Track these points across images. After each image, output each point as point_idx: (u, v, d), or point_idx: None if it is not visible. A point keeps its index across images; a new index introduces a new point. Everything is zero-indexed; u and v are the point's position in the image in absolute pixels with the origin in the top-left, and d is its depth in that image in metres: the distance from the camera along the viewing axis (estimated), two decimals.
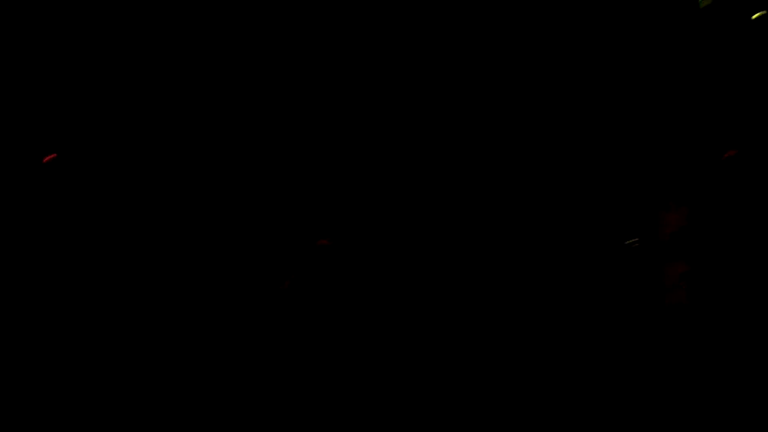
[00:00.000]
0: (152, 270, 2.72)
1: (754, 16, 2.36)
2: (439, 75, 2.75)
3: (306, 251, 2.72)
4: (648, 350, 2.57)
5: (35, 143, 2.74)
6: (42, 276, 2.70)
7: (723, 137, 2.64)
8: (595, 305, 2.67)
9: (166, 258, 2.74)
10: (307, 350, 2.65)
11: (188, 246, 2.74)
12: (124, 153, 2.75)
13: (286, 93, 2.80)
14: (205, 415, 2.54)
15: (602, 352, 2.60)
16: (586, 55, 2.73)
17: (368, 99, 2.80)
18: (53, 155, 2.45)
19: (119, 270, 2.71)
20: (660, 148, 2.67)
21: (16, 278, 2.68)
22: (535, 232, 2.76)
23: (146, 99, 2.77)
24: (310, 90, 2.79)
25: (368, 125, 2.79)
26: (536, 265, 2.74)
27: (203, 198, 2.77)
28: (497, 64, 2.75)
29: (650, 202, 2.61)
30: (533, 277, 2.73)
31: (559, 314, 2.69)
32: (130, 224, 2.73)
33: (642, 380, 2.53)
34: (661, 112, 2.73)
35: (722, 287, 2.52)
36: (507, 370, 2.62)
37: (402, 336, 2.68)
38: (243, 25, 2.77)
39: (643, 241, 2.65)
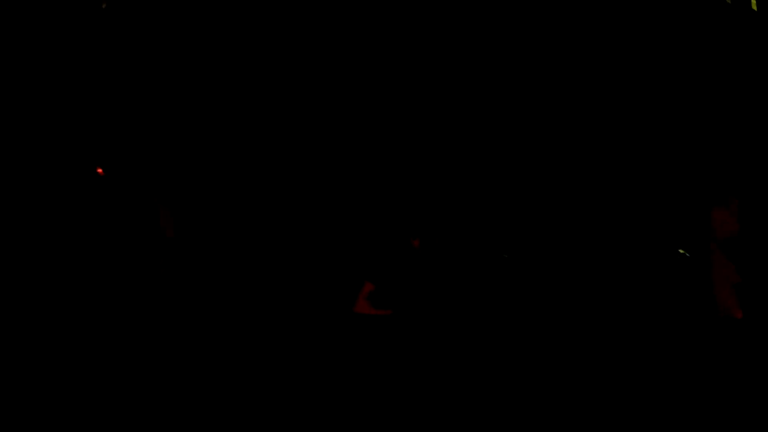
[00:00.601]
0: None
1: None
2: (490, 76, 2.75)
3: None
4: (696, 356, 2.57)
5: (35, 143, 2.74)
6: (42, 275, 2.70)
7: None
8: (645, 309, 2.68)
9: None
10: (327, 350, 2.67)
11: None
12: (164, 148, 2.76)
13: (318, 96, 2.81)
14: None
15: (649, 357, 2.60)
16: (633, 53, 2.73)
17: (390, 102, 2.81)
18: (99, 170, 2.48)
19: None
20: (712, 147, 2.67)
21: (16, 278, 2.68)
22: (587, 234, 2.77)
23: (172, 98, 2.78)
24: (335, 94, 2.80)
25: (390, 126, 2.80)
26: (587, 267, 2.76)
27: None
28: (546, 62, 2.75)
29: (702, 202, 2.59)
30: (584, 279, 2.76)
31: (608, 317, 2.70)
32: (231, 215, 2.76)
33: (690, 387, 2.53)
34: (713, 112, 2.73)
35: None
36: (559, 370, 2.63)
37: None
38: (253, 27, 2.78)
39: (693, 246, 2.64)
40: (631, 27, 2.70)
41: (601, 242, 2.79)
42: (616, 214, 2.78)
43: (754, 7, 2.45)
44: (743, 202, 2.51)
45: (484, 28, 2.70)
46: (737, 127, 2.65)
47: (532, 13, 2.69)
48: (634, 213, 2.78)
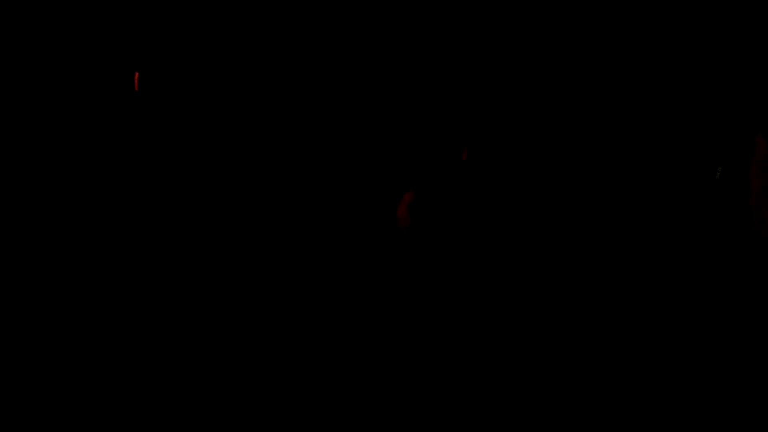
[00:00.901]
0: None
1: None
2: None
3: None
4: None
5: (35, 143, 2.76)
6: (42, 275, 2.71)
7: None
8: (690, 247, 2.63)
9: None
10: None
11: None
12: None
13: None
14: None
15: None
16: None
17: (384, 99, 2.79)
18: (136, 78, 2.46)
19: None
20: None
21: (16, 277, 2.69)
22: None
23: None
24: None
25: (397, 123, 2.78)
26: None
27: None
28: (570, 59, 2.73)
29: (741, 131, 2.56)
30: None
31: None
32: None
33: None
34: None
35: None
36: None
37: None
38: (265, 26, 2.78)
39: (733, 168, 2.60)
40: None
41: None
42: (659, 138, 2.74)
43: None
44: None
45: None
46: None
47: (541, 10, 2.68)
48: (677, 135, 2.74)
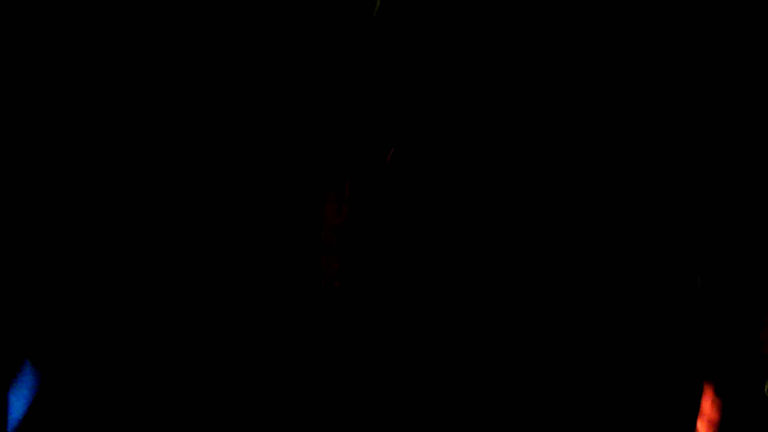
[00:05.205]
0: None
1: None
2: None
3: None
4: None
5: (36, 143, 2.74)
6: (42, 274, 2.69)
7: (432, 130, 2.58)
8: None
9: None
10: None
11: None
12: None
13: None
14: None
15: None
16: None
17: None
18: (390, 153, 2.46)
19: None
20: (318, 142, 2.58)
21: (17, 277, 2.67)
22: None
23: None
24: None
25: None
26: None
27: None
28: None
29: (309, 196, 2.51)
30: None
31: None
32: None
33: None
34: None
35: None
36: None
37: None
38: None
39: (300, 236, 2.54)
40: None
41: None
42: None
43: None
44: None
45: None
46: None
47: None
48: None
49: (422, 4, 2.67)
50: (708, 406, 2.37)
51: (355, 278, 2.55)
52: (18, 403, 2.59)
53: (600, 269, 2.60)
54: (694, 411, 2.44)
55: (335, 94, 2.62)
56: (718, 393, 2.35)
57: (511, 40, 2.65)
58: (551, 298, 2.53)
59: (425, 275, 2.57)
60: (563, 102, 2.62)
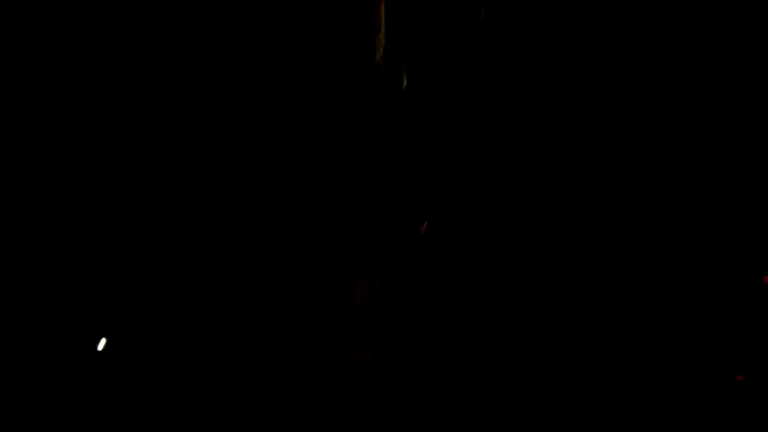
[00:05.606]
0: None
1: None
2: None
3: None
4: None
5: (35, 143, 2.73)
6: (42, 275, 2.68)
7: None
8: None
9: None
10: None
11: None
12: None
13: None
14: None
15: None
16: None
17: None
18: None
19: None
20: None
21: (16, 277, 2.66)
22: None
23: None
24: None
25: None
26: None
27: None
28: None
29: (341, 274, 2.65)
30: None
31: None
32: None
33: None
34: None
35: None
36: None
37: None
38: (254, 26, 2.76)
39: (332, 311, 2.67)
40: None
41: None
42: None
43: None
44: None
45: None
46: None
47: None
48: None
49: (444, 85, 2.71)
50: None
51: (386, 349, 2.65)
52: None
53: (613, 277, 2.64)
54: (695, 411, 2.44)
55: (368, 174, 2.68)
56: None
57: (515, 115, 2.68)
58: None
59: (453, 345, 2.64)
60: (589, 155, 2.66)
